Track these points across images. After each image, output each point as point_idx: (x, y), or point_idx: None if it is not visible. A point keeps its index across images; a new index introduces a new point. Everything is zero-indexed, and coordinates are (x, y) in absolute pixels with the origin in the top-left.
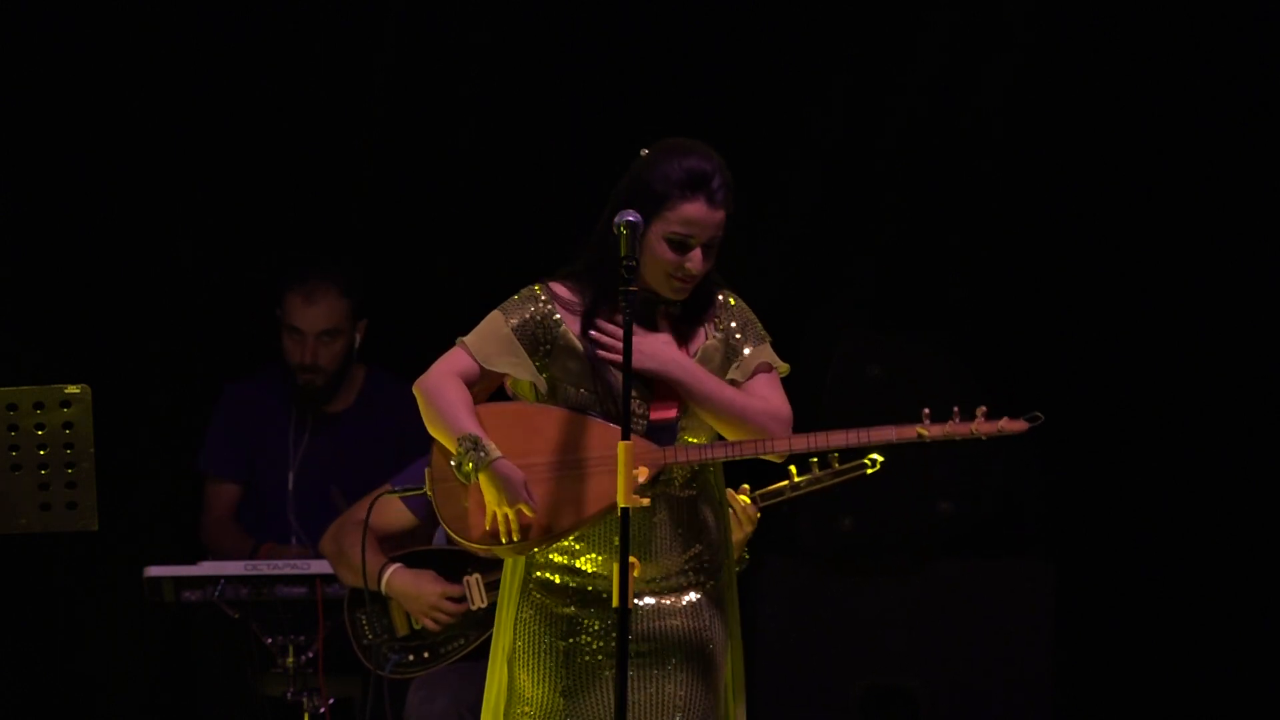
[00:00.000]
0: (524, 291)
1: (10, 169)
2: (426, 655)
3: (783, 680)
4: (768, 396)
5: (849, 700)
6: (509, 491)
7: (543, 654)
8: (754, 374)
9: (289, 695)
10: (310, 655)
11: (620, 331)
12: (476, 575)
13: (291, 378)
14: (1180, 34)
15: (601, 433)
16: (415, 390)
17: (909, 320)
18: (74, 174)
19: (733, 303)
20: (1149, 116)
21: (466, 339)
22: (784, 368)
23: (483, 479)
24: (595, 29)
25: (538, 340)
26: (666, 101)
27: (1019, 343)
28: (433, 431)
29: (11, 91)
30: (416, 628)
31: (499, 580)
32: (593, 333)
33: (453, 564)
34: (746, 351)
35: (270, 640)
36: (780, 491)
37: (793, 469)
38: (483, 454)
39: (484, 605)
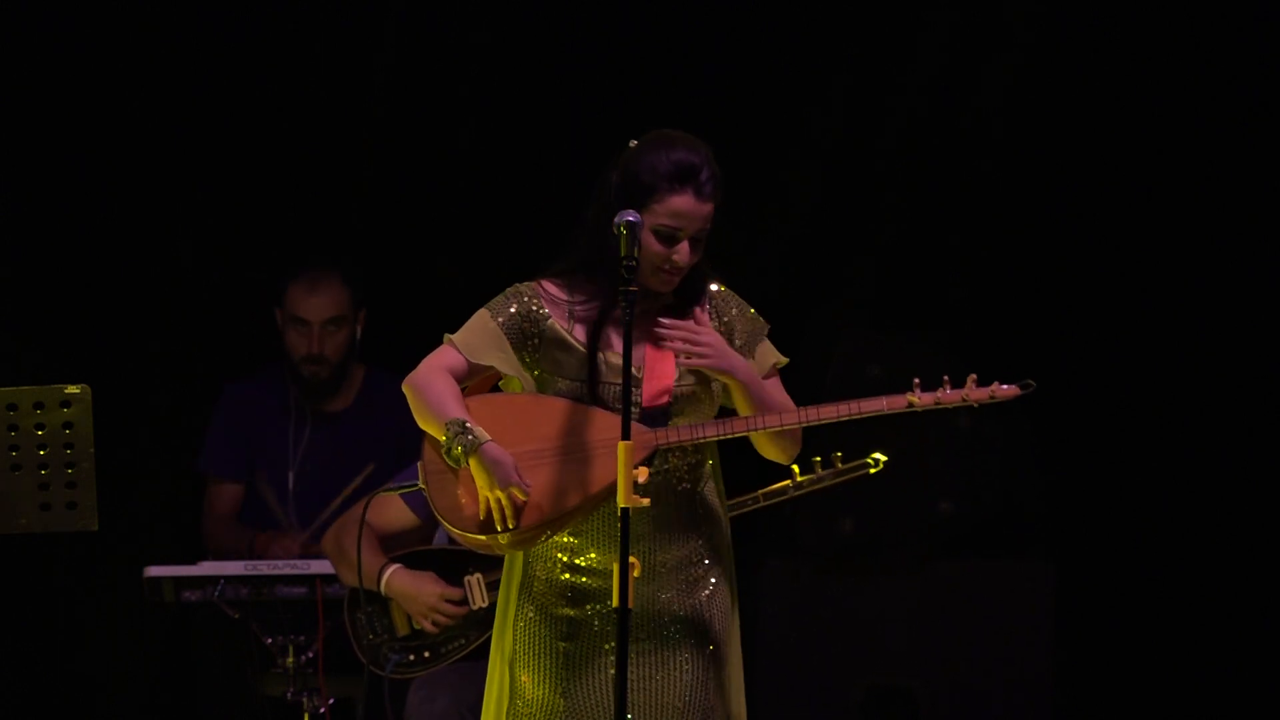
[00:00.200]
0: (508, 290)
1: (10, 169)
2: (427, 655)
3: (783, 680)
4: (786, 404)
5: (849, 700)
6: (499, 474)
7: (543, 654)
8: (767, 376)
9: (289, 695)
10: (310, 655)
11: (685, 323)
12: (478, 575)
13: (295, 374)
14: (1180, 34)
15: (595, 417)
16: (405, 387)
17: (909, 320)
18: (74, 174)
19: (726, 292)
20: (1148, 116)
21: (454, 336)
22: (783, 360)
23: (473, 464)
24: (595, 29)
25: (525, 335)
26: (667, 101)
27: (1019, 343)
28: (422, 424)
29: (11, 91)
30: (416, 628)
31: (500, 580)
32: (659, 328)
33: (453, 564)
34: (756, 350)
35: (270, 640)
36: (783, 490)
37: (795, 468)
38: (471, 437)
39: (485, 605)
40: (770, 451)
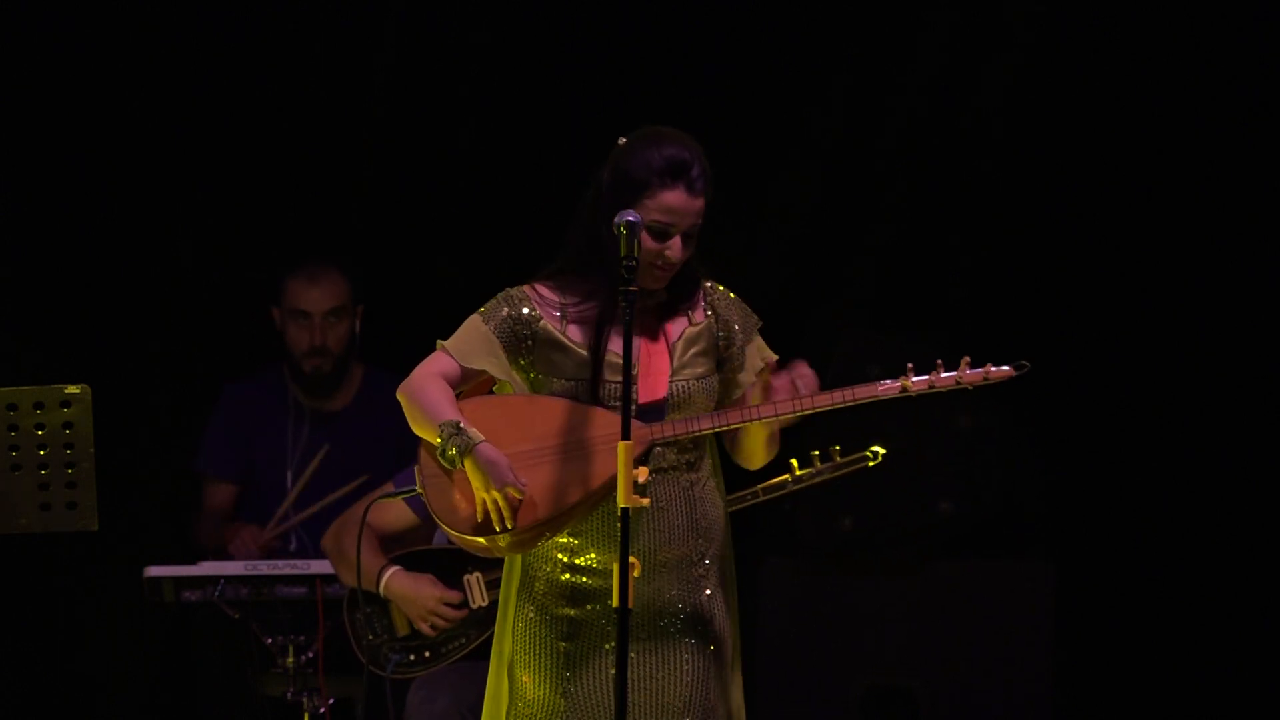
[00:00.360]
0: (499, 295)
1: (10, 169)
2: (427, 655)
3: (783, 680)
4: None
5: (849, 700)
6: (494, 474)
7: (544, 654)
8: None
9: (289, 695)
10: (310, 655)
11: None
12: (477, 574)
13: (296, 371)
14: (1180, 34)
15: (592, 416)
16: (399, 395)
17: (909, 320)
18: (74, 174)
19: (720, 289)
20: (1148, 116)
21: (446, 342)
22: (773, 358)
23: (467, 465)
24: (595, 29)
25: (519, 338)
26: (667, 101)
27: (1019, 342)
28: (417, 430)
29: (12, 91)
30: (416, 629)
31: (500, 579)
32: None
33: (453, 564)
34: (749, 350)
35: (270, 640)
36: (782, 485)
37: (794, 462)
38: (465, 438)
39: (485, 604)
40: (744, 455)
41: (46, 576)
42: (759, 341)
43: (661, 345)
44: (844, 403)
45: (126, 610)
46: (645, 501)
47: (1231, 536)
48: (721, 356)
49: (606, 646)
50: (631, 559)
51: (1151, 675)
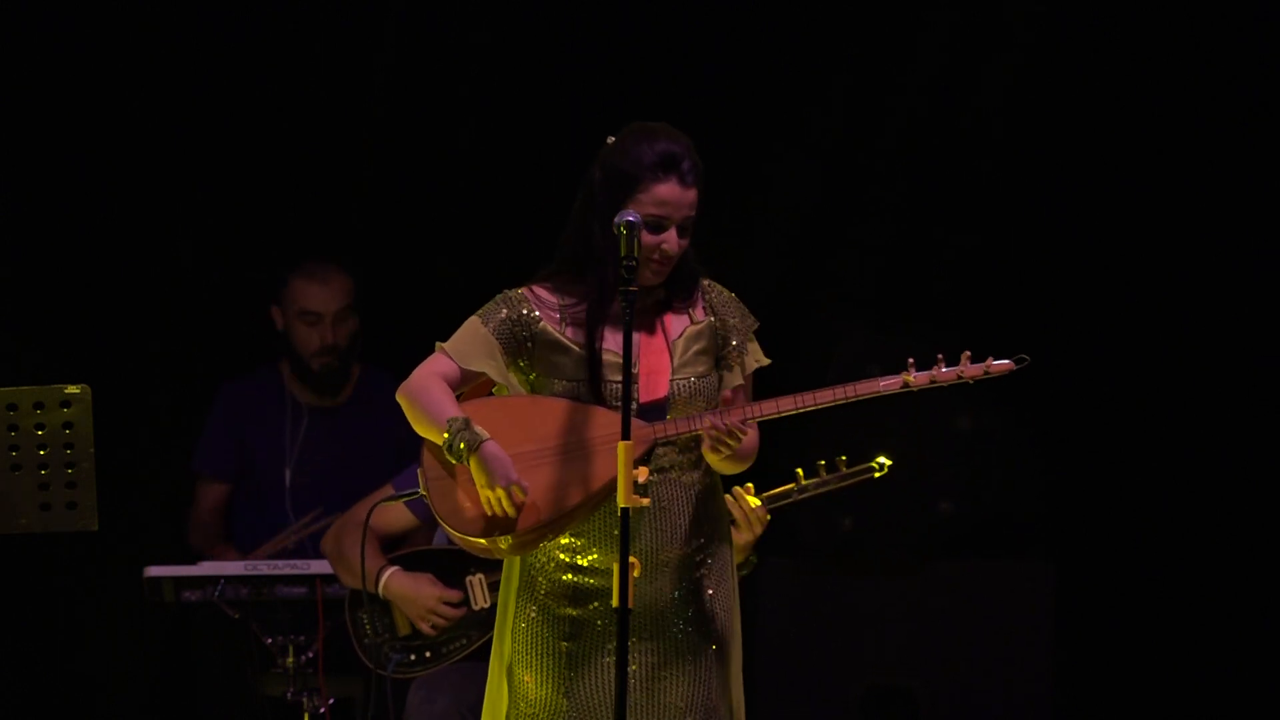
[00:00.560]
0: (498, 296)
1: (10, 169)
2: (428, 655)
3: (783, 680)
4: (752, 425)
5: (849, 700)
6: (499, 470)
7: (545, 654)
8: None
9: (289, 695)
10: (310, 655)
11: (732, 426)
12: (480, 575)
13: (303, 369)
14: (1180, 34)
15: (593, 416)
16: (399, 396)
17: (909, 320)
18: (74, 174)
19: (719, 288)
20: (1149, 116)
21: (445, 344)
22: (765, 361)
23: (473, 462)
24: (595, 29)
25: (518, 340)
26: (667, 101)
27: (1019, 343)
28: (420, 429)
29: (12, 91)
30: (416, 629)
31: (501, 580)
32: (712, 419)
33: (453, 565)
34: (745, 354)
35: (270, 640)
36: (787, 494)
37: (800, 472)
38: (473, 434)
39: (486, 605)
40: (720, 465)
41: (46, 576)
42: (754, 345)
43: (661, 344)
44: (845, 399)
45: (126, 610)
46: (645, 501)
47: (1231, 536)
48: (718, 355)
49: (609, 646)
50: (632, 559)
51: (1151, 675)
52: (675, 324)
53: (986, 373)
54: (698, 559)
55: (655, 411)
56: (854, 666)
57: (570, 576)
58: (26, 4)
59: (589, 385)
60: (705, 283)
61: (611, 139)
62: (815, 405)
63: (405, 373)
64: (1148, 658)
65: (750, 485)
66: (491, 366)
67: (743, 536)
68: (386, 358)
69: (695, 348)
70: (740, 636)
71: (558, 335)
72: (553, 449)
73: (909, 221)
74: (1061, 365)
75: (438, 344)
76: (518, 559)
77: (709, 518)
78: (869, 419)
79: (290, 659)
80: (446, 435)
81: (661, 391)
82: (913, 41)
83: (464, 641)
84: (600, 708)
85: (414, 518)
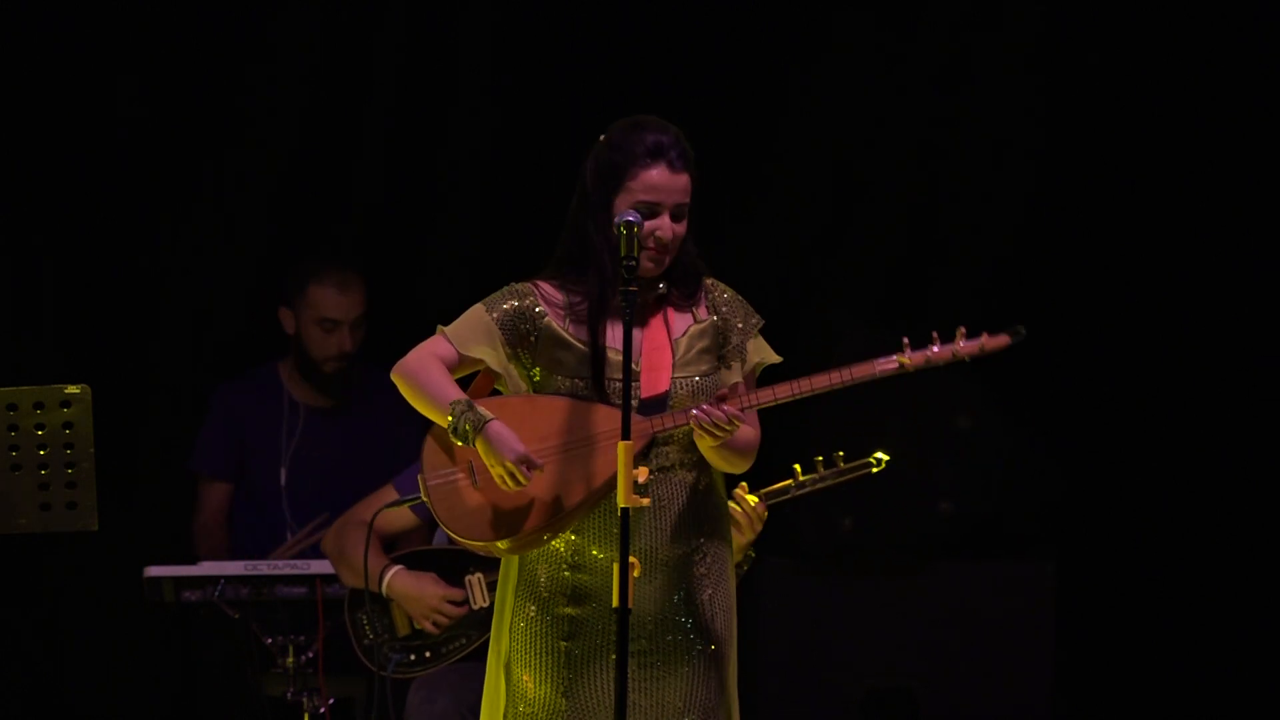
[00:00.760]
0: (505, 288)
1: (10, 169)
2: (428, 655)
3: (783, 680)
4: (753, 422)
5: (849, 701)
6: (507, 447)
7: (544, 654)
8: (749, 373)
9: (289, 695)
10: (310, 655)
11: (724, 413)
12: (479, 575)
13: (313, 371)
14: (1180, 34)
15: (594, 412)
16: (395, 374)
17: (909, 320)
18: (74, 174)
19: (722, 286)
20: (1149, 117)
21: (446, 328)
22: (775, 359)
23: (479, 442)
24: (596, 29)
25: (522, 333)
26: (667, 102)
27: (1019, 344)
28: (419, 407)
29: (12, 91)
30: (417, 628)
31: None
32: (696, 412)
33: (454, 564)
34: (748, 348)
35: (270, 640)
36: (785, 491)
37: (797, 468)
38: (478, 415)
39: (486, 605)
40: (719, 463)
41: (46, 576)
42: (760, 342)
43: (664, 340)
44: (842, 383)
45: (126, 610)
46: (645, 501)
47: (1232, 536)
48: (719, 353)
49: (608, 646)
50: (632, 559)
51: (1151, 675)
52: (679, 322)
53: (982, 349)
54: (696, 559)
55: (655, 406)
56: (854, 666)
57: (569, 575)
58: (27, 4)
59: (592, 382)
60: (709, 282)
61: (602, 137)
62: (811, 391)
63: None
64: (1148, 658)
65: (744, 484)
66: (491, 355)
67: (743, 536)
68: (384, 357)
69: (698, 346)
70: (736, 637)
71: (562, 331)
72: (553, 448)
73: (909, 222)
74: (1062, 365)
75: (439, 327)
76: (516, 557)
77: (709, 518)
78: (869, 419)
79: (290, 659)
80: (451, 418)
81: (663, 387)
82: (913, 41)
83: (463, 641)
84: (599, 708)
85: (414, 518)
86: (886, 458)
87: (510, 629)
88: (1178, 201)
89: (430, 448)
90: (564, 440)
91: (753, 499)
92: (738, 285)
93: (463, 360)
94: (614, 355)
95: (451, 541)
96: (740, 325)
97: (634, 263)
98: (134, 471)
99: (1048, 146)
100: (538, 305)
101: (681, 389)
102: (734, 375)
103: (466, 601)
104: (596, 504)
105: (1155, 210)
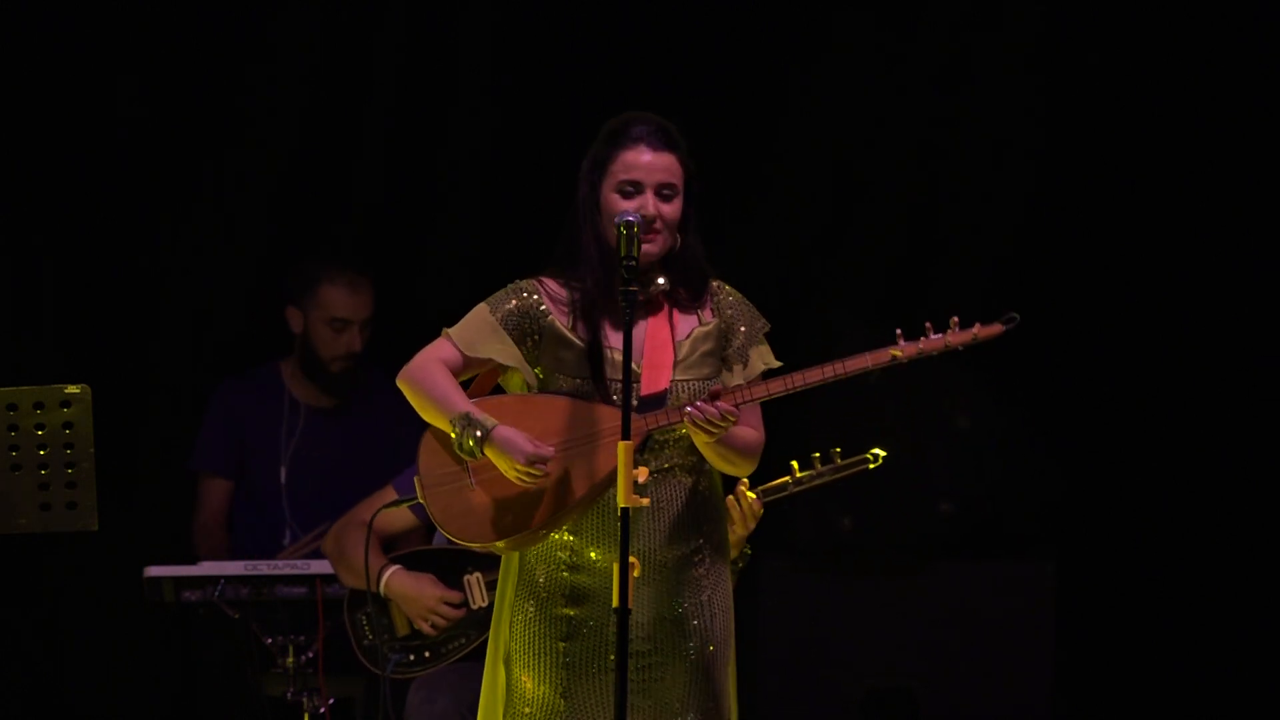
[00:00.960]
0: (509, 286)
1: (10, 169)
2: (427, 655)
3: (783, 680)
4: (755, 425)
5: (850, 700)
6: (518, 449)
7: (543, 654)
8: (753, 379)
9: (289, 695)
10: (310, 655)
11: (717, 410)
12: (477, 575)
13: (318, 370)
14: (1180, 34)
15: (594, 412)
16: (401, 380)
17: (909, 321)
18: (74, 174)
19: (728, 289)
20: (1149, 117)
21: (451, 330)
22: (776, 364)
23: (488, 452)
24: (596, 29)
25: (525, 331)
26: (668, 102)
27: (1019, 343)
28: (425, 416)
29: (12, 91)
30: (416, 629)
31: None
32: (690, 409)
33: (452, 564)
34: (751, 354)
35: (270, 640)
36: (782, 487)
37: (794, 464)
38: (479, 429)
39: (485, 604)
40: (720, 464)
41: (46, 576)
42: (764, 348)
43: (667, 339)
44: (835, 376)
45: (126, 610)
46: (645, 501)
47: (1232, 536)
48: (722, 356)
49: (606, 647)
50: (632, 558)
51: (1152, 675)
52: (683, 323)
53: (975, 338)
54: (695, 560)
55: (654, 404)
56: (854, 666)
57: (568, 576)
58: (27, 3)
59: (592, 381)
60: (715, 284)
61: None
62: (805, 385)
63: (398, 368)
64: (1148, 657)
65: (745, 480)
66: (499, 351)
67: (736, 533)
68: (383, 357)
69: (702, 349)
70: (734, 637)
71: (564, 330)
72: (561, 444)
73: (909, 221)
74: (1062, 365)
75: (444, 330)
76: (515, 558)
77: (708, 519)
78: (869, 419)
79: (290, 659)
80: (455, 433)
81: (662, 385)
82: (913, 40)
83: (463, 641)
84: (597, 708)
85: (414, 518)
86: (884, 454)
87: (509, 628)
88: (1177, 201)
89: (426, 449)
90: (562, 439)
91: (751, 495)
92: (737, 285)
93: (469, 363)
94: (615, 354)
95: (450, 541)
96: (744, 329)
97: (634, 262)
98: (134, 471)
99: (1048, 146)
100: (542, 303)
101: (683, 392)
102: (736, 379)
103: (464, 603)
104: (594, 502)
105: (1155, 210)
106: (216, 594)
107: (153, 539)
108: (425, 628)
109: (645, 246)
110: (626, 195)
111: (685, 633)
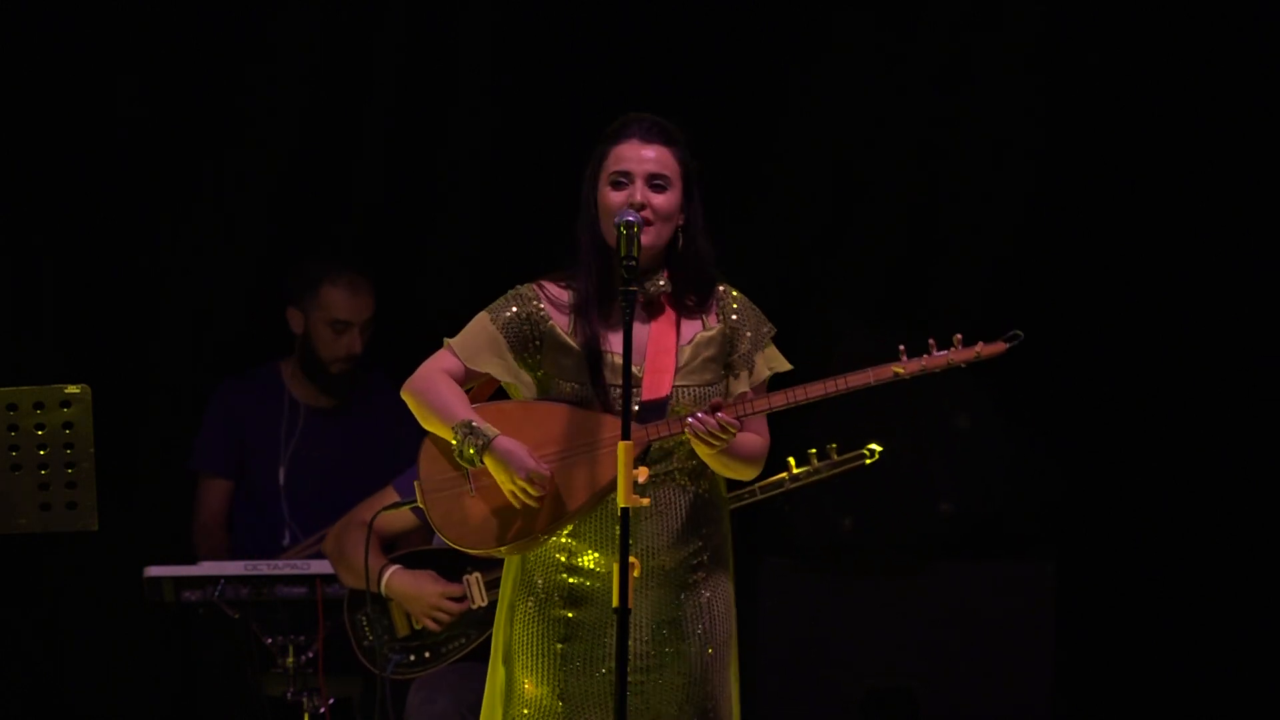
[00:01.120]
0: (510, 292)
1: (10, 169)
2: (427, 655)
3: (783, 680)
4: (760, 430)
5: (850, 700)
6: (516, 463)
7: (542, 655)
8: (759, 383)
9: (289, 695)
10: (310, 655)
11: (716, 420)
12: (477, 574)
13: (318, 371)
14: (1180, 34)
15: (595, 419)
16: (405, 393)
17: (909, 321)
18: (74, 174)
19: (735, 294)
20: (1149, 117)
21: (453, 340)
22: (786, 367)
23: (488, 461)
24: (596, 29)
25: (526, 338)
26: (668, 102)
27: (1019, 344)
28: (429, 427)
29: (12, 92)
30: (417, 628)
31: (499, 579)
32: (690, 420)
33: (452, 563)
34: (757, 360)
35: (270, 640)
36: (780, 483)
37: (791, 461)
38: (480, 438)
39: (484, 604)
40: (724, 471)
41: (46, 576)
42: (772, 351)
43: (670, 344)
44: (837, 391)
45: (126, 610)
46: (645, 501)
47: (1232, 536)
48: (726, 362)
49: (605, 648)
50: (631, 559)
51: (1152, 675)
52: (688, 328)
53: (978, 356)
54: (695, 562)
55: (654, 411)
56: (854, 666)
57: (568, 577)
58: (27, 3)
59: (591, 386)
60: (721, 289)
61: None
62: (807, 399)
63: (402, 371)
64: (1148, 658)
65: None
66: (497, 366)
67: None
68: (383, 357)
69: (705, 354)
70: (736, 639)
71: (564, 336)
72: (551, 455)
73: (909, 221)
74: (1062, 365)
75: (446, 340)
76: (516, 559)
77: (708, 520)
78: (869, 419)
79: (290, 659)
80: (455, 441)
81: (663, 391)
82: (913, 40)
83: (463, 641)
84: (596, 709)
85: (414, 518)
86: (880, 449)
87: (509, 628)
88: (1177, 202)
89: (426, 455)
90: (562, 447)
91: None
92: (738, 285)
93: (470, 374)
94: (615, 358)
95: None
96: (749, 334)
97: (634, 262)
98: (134, 471)
99: (1048, 146)
100: (542, 308)
101: (684, 397)
102: (741, 385)
103: (465, 598)
104: (594, 508)
105: (1155, 210)
106: (216, 594)
107: (153, 539)
108: (429, 624)
109: (643, 238)
110: (618, 186)
111: (684, 635)
